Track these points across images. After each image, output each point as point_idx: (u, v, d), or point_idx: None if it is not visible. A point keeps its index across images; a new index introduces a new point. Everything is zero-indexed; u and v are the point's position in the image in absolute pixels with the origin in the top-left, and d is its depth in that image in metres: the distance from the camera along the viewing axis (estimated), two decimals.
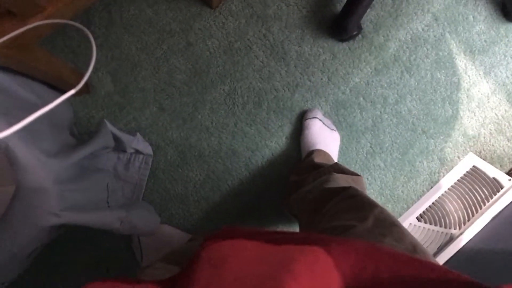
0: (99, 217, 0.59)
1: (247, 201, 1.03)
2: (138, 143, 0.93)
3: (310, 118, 0.98)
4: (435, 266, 0.32)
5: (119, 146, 0.91)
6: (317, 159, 0.88)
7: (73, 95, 0.95)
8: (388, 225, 0.48)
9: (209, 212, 1.03)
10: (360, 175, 0.78)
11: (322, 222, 0.59)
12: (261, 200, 1.04)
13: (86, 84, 0.95)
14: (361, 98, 1.04)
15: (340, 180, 0.72)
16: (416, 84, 1.05)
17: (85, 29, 0.48)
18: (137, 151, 0.95)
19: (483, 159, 1.07)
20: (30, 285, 0.97)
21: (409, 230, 0.95)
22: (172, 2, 0.98)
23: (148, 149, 0.97)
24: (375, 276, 0.31)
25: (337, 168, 0.78)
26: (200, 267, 0.35)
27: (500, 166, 1.10)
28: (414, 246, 0.43)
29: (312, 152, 0.92)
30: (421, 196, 1.08)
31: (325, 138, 0.96)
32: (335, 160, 0.97)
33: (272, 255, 0.34)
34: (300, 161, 1.00)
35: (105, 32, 0.97)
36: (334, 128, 1.01)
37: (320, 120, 0.98)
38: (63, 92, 0.89)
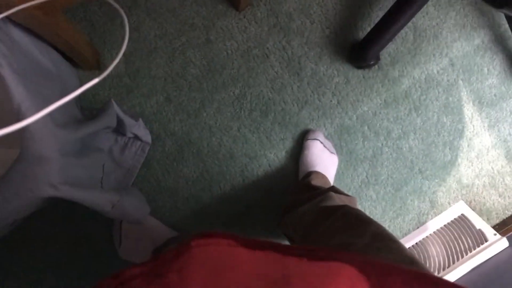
0: (94, 196, 0.58)
1: (236, 208, 1.02)
2: (139, 129, 0.92)
3: (311, 139, 0.98)
4: (443, 280, 0.33)
5: (119, 128, 0.89)
6: (314, 181, 0.88)
7: (82, 69, 0.94)
8: (385, 240, 0.49)
9: (196, 211, 1.02)
10: (354, 197, 0.79)
11: (319, 241, 0.59)
12: (250, 210, 1.03)
13: (97, 60, 0.94)
14: (366, 127, 1.04)
15: (336, 199, 0.72)
16: (422, 124, 1.06)
17: (121, 9, 0.47)
18: (136, 137, 0.93)
19: (472, 209, 1.09)
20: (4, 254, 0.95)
21: None
22: None
23: (147, 137, 0.95)
24: None
25: (334, 190, 0.78)
26: (193, 267, 0.33)
27: (487, 219, 1.12)
28: (412, 260, 0.44)
29: (310, 174, 0.92)
30: (406, 234, 1.09)
31: (324, 161, 0.96)
32: (332, 183, 0.97)
33: (276, 269, 0.33)
34: (296, 178, 1.00)
35: (127, 12, 0.95)
36: (334, 151, 1.02)
37: (321, 142, 0.98)
38: (72, 61, 0.88)
